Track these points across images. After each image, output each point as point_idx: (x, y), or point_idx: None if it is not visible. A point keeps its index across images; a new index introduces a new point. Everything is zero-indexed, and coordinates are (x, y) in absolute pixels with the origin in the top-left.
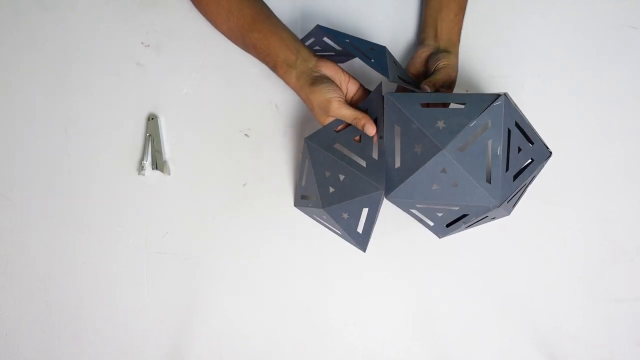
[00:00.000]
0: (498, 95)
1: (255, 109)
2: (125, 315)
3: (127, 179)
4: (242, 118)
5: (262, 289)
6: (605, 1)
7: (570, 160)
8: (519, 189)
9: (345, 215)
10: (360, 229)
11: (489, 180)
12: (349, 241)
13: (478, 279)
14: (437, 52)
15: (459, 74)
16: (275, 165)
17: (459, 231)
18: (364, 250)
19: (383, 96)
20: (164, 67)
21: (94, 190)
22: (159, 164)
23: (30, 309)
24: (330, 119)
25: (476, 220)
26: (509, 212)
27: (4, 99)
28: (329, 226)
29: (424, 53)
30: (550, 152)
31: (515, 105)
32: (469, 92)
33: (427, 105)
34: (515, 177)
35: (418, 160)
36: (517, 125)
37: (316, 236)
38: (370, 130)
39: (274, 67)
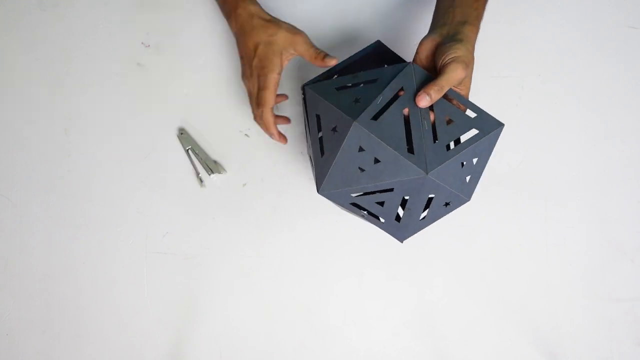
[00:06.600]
0: (407, 64)
1: None
2: (125, 315)
3: (127, 179)
4: (242, 118)
5: (262, 289)
6: (605, 1)
7: (570, 160)
8: (462, 164)
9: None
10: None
11: (412, 151)
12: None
13: (478, 279)
14: (444, 42)
15: None
16: (276, 165)
17: (417, 227)
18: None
19: (303, 88)
20: (164, 67)
21: (94, 190)
22: (212, 168)
23: (30, 309)
24: (276, 62)
25: (420, 202)
26: (468, 197)
27: (4, 99)
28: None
29: (429, 43)
30: (502, 124)
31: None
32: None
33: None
34: (449, 147)
35: (337, 143)
36: (444, 95)
37: (316, 236)
38: (332, 61)
39: None
